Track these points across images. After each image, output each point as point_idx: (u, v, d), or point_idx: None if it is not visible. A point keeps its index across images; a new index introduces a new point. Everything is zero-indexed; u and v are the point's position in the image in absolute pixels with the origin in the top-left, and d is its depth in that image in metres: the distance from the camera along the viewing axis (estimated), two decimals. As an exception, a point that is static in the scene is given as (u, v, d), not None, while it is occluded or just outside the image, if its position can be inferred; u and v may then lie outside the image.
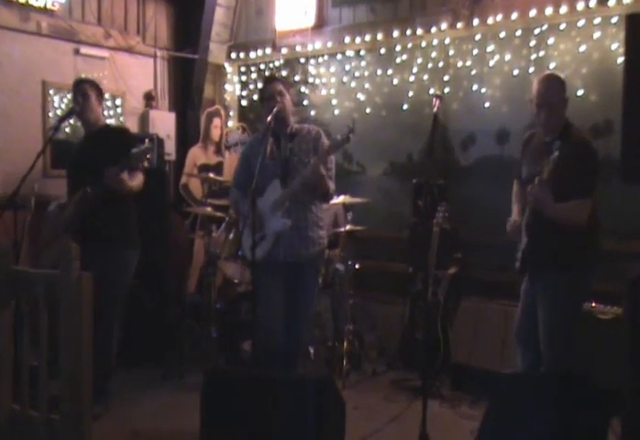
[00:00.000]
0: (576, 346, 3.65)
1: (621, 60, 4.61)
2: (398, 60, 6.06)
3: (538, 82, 3.70)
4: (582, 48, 5.09)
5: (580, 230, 3.53)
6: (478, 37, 5.60)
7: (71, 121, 5.70)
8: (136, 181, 4.32)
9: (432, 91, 5.80)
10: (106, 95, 5.78)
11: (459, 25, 5.67)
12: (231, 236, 5.40)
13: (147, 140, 5.46)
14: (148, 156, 4.38)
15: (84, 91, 4.47)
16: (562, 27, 5.18)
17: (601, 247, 3.70)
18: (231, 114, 7.31)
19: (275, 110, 3.91)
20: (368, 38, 6.20)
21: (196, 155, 6.71)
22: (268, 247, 3.92)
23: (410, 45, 5.99)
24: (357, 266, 5.52)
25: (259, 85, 5.79)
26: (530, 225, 3.68)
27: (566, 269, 3.59)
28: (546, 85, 3.67)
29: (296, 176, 3.93)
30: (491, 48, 5.54)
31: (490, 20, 5.50)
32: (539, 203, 3.52)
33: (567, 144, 3.48)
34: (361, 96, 6.31)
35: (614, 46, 4.92)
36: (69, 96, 6.12)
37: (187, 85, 7.29)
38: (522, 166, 3.89)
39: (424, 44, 5.90)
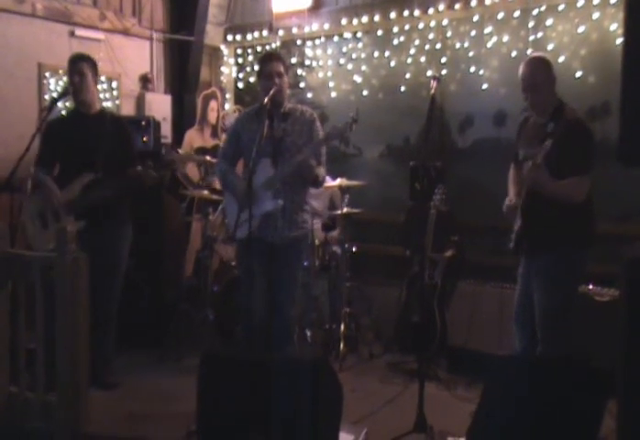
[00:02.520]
0: (573, 328, 3.66)
1: (620, 41, 4.58)
2: (395, 42, 6.03)
3: (523, 66, 3.72)
4: (581, 29, 5.06)
5: (575, 211, 3.54)
6: (475, 18, 5.57)
7: (67, 104, 5.65)
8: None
9: (429, 73, 5.78)
10: (102, 78, 5.75)
11: (457, 6, 5.64)
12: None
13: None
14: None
15: (81, 70, 4.42)
16: (561, 7, 5.15)
17: (595, 229, 3.70)
18: (227, 96, 7.27)
19: (272, 92, 3.88)
20: (365, 19, 6.16)
21: (193, 138, 6.66)
22: (255, 226, 3.90)
23: (407, 26, 5.96)
24: (353, 249, 5.52)
25: (256, 68, 5.73)
26: (525, 208, 3.67)
27: (560, 251, 3.59)
28: (530, 68, 3.69)
29: (287, 157, 3.94)
30: (488, 29, 5.51)
31: (487, 1, 5.47)
32: (537, 183, 3.52)
33: (560, 125, 3.48)
34: (358, 78, 6.28)
35: (613, 27, 4.90)
36: (64, 79, 6.06)
37: (183, 68, 7.23)
38: (518, 148, 3.88)
39: (421, 25, 5.87)
